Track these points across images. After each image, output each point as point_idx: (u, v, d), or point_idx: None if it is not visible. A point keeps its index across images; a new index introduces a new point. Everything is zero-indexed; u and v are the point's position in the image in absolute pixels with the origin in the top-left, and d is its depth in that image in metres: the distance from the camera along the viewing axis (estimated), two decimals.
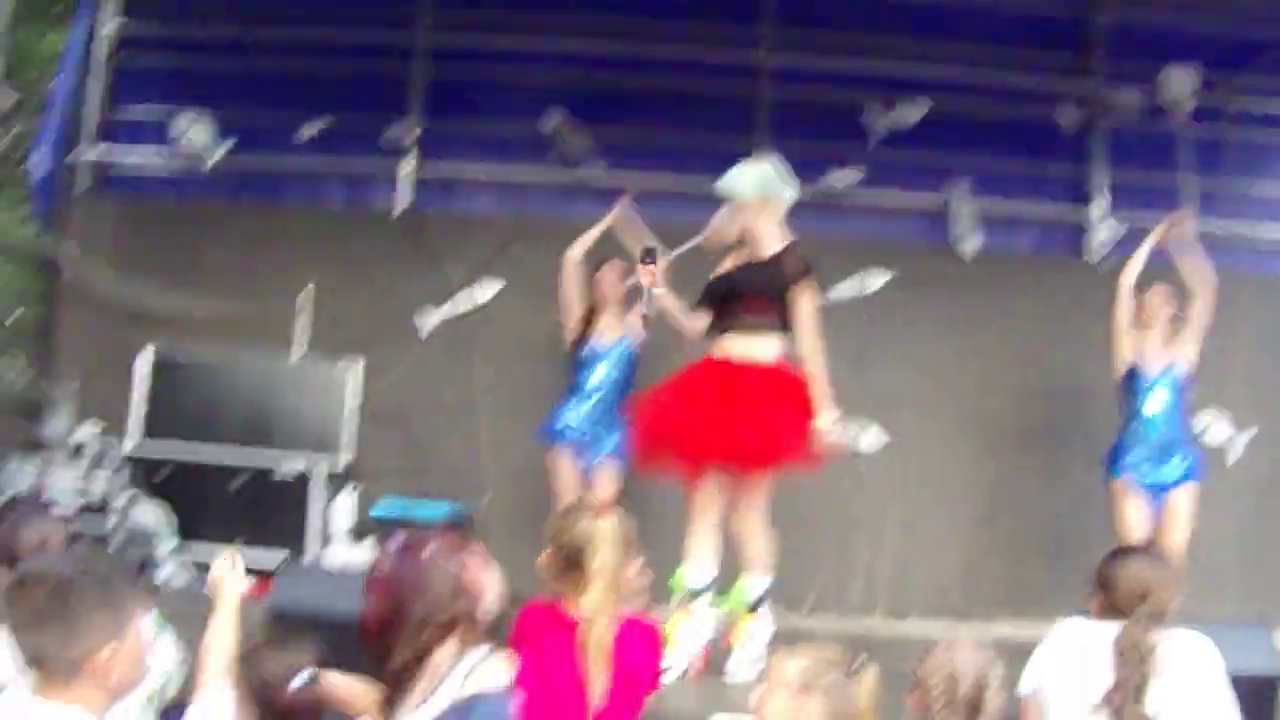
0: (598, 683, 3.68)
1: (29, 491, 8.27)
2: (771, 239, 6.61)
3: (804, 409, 6.31)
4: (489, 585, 3.60)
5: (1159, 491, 7.75)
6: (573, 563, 3.82)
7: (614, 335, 8.07)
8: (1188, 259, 7.90)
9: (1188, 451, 7.87)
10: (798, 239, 6.76)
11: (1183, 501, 7.74)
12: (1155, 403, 7.80)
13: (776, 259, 6.52)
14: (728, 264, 6.69)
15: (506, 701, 3.38)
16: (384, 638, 3.41)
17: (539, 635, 3.77)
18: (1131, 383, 7.87)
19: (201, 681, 3.52)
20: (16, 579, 2.62)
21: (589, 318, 8.08)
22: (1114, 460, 7.87)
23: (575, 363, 8.11)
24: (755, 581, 6.51)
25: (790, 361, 6.51)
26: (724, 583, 6.69)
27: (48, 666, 2.57)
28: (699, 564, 6.47)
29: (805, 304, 6.44)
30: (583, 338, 8.06)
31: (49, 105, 10.61)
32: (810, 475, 6.68)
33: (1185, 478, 7.77)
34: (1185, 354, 7.83)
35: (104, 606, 2.59)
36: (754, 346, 6.42)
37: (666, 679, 5.68)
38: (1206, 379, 8.19)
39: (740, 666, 6.32)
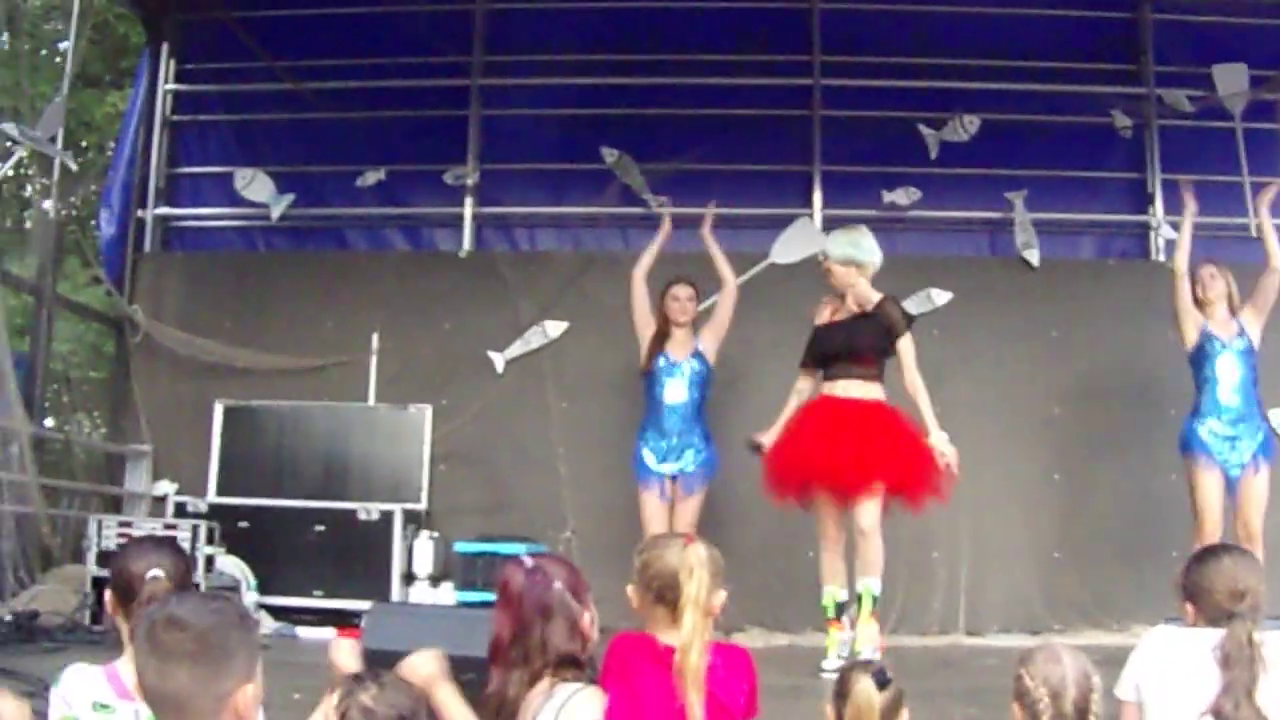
0: (696, 711, 3.68)
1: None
2: (870, 295, 7.33)
3: (910, 437, 7.13)
4: (593, 636, 3.65)
5: (1234, 471, 7.69)
6: (664, 594, 3.81)
7: (685, 352, 8.12)
8: (1267, 234, 7.87)
9: (1259, 426, 7.81)
10: (893, 295, 7.44)
11: (1258, 481, 7.70)
12: (1226, 369, 7.77)
13: (876, 314, 7.29)
14: (828, 315, 7.50)
15: None
16: (502, 655, 3.50)
17: (629, 666, 3.75)
18: (1201, 354, 7.84)
19: None
20: (163, 619, 2.69)
21: (661, 336, 8.15)
22: (1187, 434, 7.83)
23: (650, 380, 8.15)
24: (873, 583, 7.10)
25: (889, 402, 7.29)
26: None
27: (189, 707, 2.62)
28: (838, 582, 7.22)
29: (906, 349, 7.25)
30: (655, 355, 8.12)
31: (113, 167, 10.80)
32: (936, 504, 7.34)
33: (1259, 454, 7.72)
34: (1251, 326, 7.84)
35: (244, 647, 2.68)
36: (862, 390, 7.23)
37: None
38: (1274, 374, 8.15)
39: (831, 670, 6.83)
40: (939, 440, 7.05)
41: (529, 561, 3.66)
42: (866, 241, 7.44)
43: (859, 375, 7.24)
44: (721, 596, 3.77)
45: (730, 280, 8.19)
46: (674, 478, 7.98)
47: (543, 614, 3.52)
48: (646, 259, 8.28)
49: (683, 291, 8.13)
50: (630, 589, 3.84)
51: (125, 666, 3.26)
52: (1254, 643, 3.79)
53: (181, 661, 2.62)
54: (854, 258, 7.34)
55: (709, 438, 8.08)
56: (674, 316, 8.10)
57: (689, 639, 3.64)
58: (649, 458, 8.00)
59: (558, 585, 3.58)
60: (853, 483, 7.04)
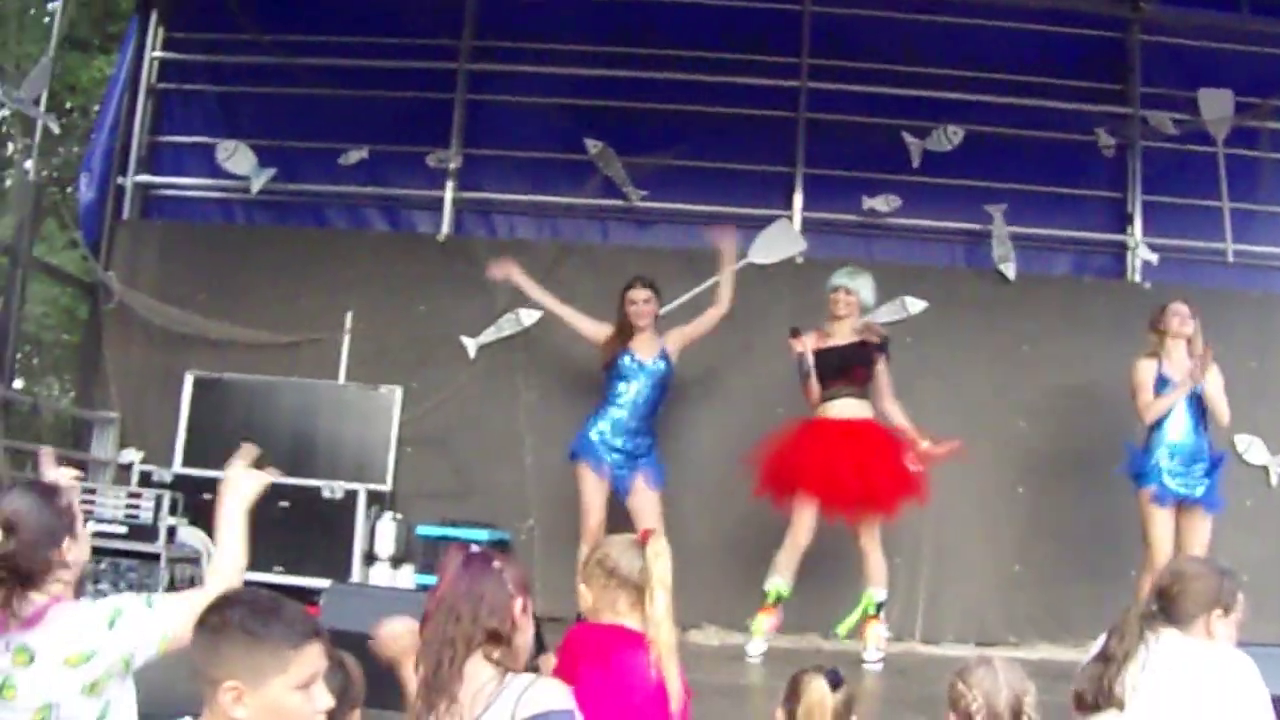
0: (675, 684, 3.74)
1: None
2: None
3: (898, 453, 7.80)
4: (525, 629, 3.65)
5: (1184, 500, 7.77)
6: (628, 582, 3.89)
7: (651, 353, 8.14)
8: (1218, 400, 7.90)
9: (1210, 466, 7.86)
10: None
11: (1200, 521, 7.79)
12: (1175, 411, 7.85)
13: (862, 340, 7.96)
14: (815, 342, 7.92)
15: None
16: (429, 636, 3.52)
17: (606, 653, 3.81)
18: (1157, 390, 7.88)
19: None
20: (221, 595, 2.92)
21: (621, 335, 8.16)
22: (1139, 468, 7.90)
23: (611, 375, 8.19)
24: (877, 592, 7.87)
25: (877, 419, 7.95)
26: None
27: (198, 679, 2.77)
28: (787, 577, 7.78)
29: (883, 369, 7.96)
30: (619, 352, 8.14)
31: (95, 131, 10.76)
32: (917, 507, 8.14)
33: (1204, 498, 7.80)
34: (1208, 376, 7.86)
35: (244, 649, 2.73)
36: (855, 409, 7.88)
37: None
38: (1243, 401, 8.17)
39: (873, 661, 7.75)
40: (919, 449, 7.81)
41: (469, 550, 3.68)
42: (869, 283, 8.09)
43: (850, 394, 7.87)
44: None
45: (725, 304, 8.29)
46: (612, 466, 8.03)
47: (470, 594, 3.52)
48: (549, 302, 8.55)
49: (639, 294, 8.16)
50: (582, 588, 3.92)
51: None
52: (1141, 623, 3.99)
53: (199, 633, 2.83)
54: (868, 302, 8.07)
55: (655, 441, 8.21)
56: (634, 320, 8.14)
57: (662, 617, 3.73)
58: (596, 439, 8.04)
59: (493, 565, 3.60)
60: (854, 509, 7.78)
